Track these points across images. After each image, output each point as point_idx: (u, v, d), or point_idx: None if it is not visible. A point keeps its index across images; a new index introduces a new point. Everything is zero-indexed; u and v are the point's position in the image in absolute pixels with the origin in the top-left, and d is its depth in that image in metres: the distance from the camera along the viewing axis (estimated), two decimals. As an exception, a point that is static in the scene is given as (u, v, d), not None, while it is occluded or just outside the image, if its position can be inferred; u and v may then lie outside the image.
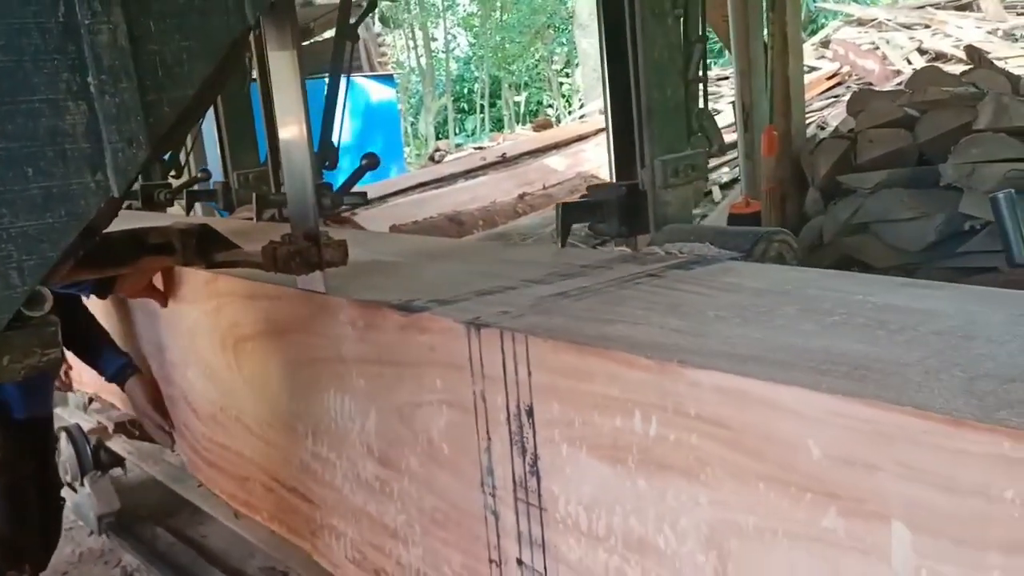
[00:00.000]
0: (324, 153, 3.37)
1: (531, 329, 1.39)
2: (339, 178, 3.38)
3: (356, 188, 3.28)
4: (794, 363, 1.12)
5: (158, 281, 2.44)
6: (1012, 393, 0.95)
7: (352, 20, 3.34)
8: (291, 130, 1.77)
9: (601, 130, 12.49)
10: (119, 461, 4.29)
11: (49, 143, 1.15)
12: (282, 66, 1.74)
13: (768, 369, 1.10)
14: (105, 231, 1.86)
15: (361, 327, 1.72)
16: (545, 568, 1.43)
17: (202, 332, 2.31)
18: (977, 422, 0.89)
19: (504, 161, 10.74)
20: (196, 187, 3.84)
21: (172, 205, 3.97)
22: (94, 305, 2.76)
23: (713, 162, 10.27)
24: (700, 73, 2.20)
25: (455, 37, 29.19)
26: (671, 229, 2.02)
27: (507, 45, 26.87)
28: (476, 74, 27.60)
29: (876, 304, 1.36)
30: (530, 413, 1.39)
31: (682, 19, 2.11)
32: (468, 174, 10.77)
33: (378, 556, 1.84)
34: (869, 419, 0.96)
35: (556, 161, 10.88)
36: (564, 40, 25.71)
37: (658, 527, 1.23)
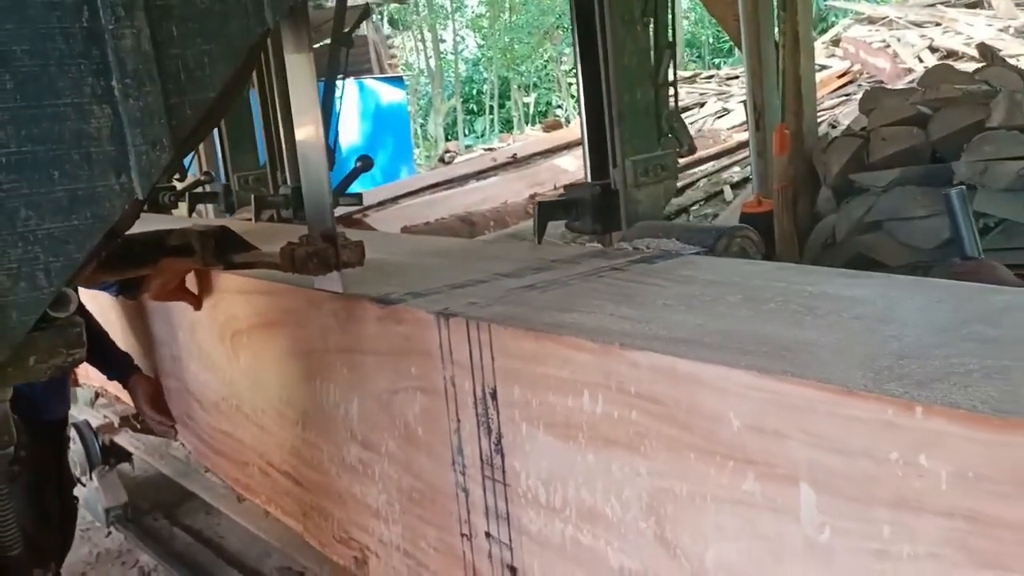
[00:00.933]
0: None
1: (495, 318, 1.50)
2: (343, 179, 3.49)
3: (360, 191, 3.39)
4: (723, 344, 1.23)
5: (191, 284, 2.42)
6: (905, 368, 1.06)
7: (346, 28, 3.44)
8: (308, 131, 1.78)
9: None
10: (127, 456, 4.43)
11: (74, 146, 1.17)
12: (299, 68, 1.77)
13: (698, 350, 1.21)
14: (126, 234, 1.97)
15: (344, 319, 1.84)
16: (510, 540, 1.54)
17: (202, 326, 2.43)
18: (866, 392, 0.99)
19: (515, 162, 10.78)
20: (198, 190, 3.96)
21: (176, 207, 4.09)
22: (104, 304, 2.88)
23: (724, 160, 10.38)
24: (670, 77, 2.31)
25: (464, 39, 29.29)
26: (641, 226, 2.13)
27: (516, 46, 26.97)
28: (485, 75, 27.71)
29: (812, 292, 1.47)
30: (494, 396, 1.50)
31: (651, 26, 2.22)
32: (479, 175, 10.81)
33: (362, 535, 1.95)
34: (778, 392, 1.08)
35: (567, 161, 10.90)
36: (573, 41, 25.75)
37: (606, 498, 1.34)
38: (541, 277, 1.80)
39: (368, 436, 1.86)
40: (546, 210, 2.26)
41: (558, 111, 25.23)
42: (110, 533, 4.16)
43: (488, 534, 1.59)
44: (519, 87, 26.87)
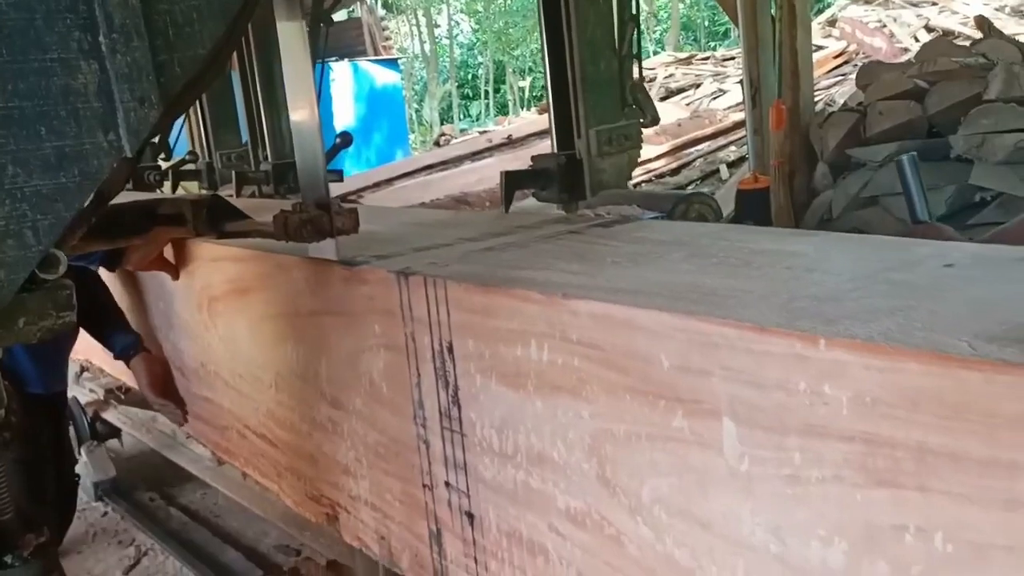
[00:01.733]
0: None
1: (451, 276, 1.57)
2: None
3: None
4: (658, 293, 1.30)
5: (169, 253, 2.45)
6: (819, 308, 1.13)
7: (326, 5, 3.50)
8: (300, 100, 1.77)
9: None
10: (115, 432, 4.51)
11: (61, 102, 1.15)
12: (291, 37, 1.75)
13: (634, 297, 1.28)
14: (116, 203, 2.00)
15: (312, 282, 1.91)
16: (467, 488, 1.61)
17: (180, 296, 2.50)
18: (778, 328, 1.06)
19: (510, 143, 10.77)
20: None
21: (162, 186, 4.16)
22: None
23: (720, 140, 10.45)
24: (633, 50, 2.37)
25: (458, 23, 29.26)
26: (605, 194, 2.20)
27: (510, 30, 26.94)
28: (480, 60, 27.69)
29: (753, 249, 1.54)
30: (450, 349, 1.57)
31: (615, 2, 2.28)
32: (474, 156, 10.80)
33: (333, 491, 2.03)
34: (702, 332, 1.14)
35: None
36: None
37: (552, 442, 1.41)
38: (501, 240, 1.87)
39: (337, 395, 1.93)
40: (512, 180, 2.33)
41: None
42: (106, 513, 4.24)
43: (448, 483, 1.66)
44: (514, 71, 26.87)
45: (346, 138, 3.29)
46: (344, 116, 13.30)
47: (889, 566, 0.99)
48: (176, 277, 2.45)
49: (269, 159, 3.36)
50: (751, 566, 1.14)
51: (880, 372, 0.96)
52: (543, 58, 2.36)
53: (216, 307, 2.32)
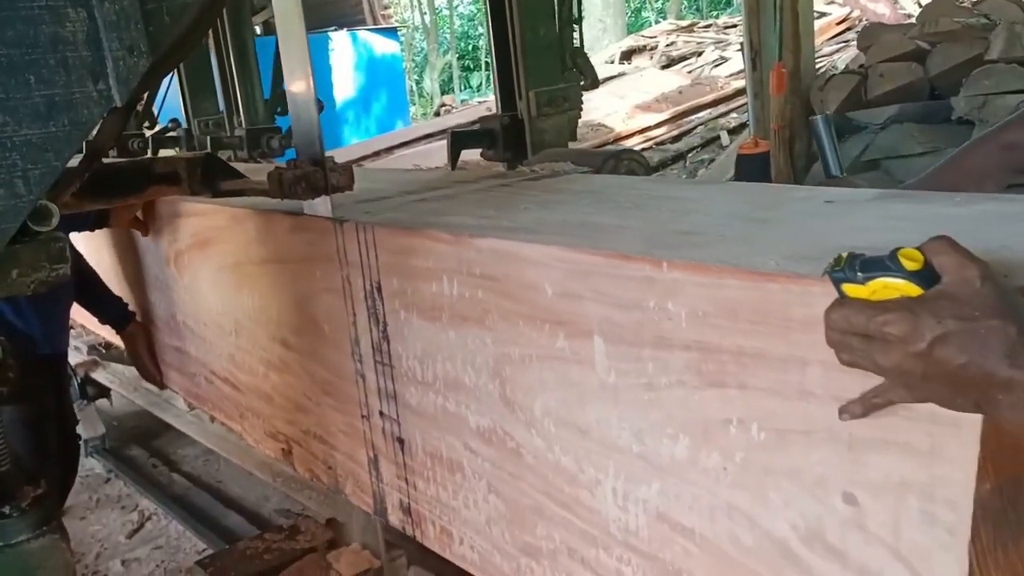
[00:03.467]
0: (276, 100, 3.71)
1: (379, 222, 1.72)
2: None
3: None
4: (550, 231, 1.46)
5: (138, 212, 2.54)
6: (678, 240, 1.28)
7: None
8: (294, 58, 1.78)
9: (609, 79, 12.68)
10: (104, 392, 4.68)
11: (50, 51, 1.14)
12: (286, 5, 1.74)
13: (527, 234, 1.44)
14: (110, 162, 2.07)
15: (263, 232, 2.06)
16: (397, 415, 1.78)
17: (150, 252, 2.66)
18: (635, 255, 1.22)
19: None
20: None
21: (146, 154, 4.30)
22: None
23: (721, 108, 10.53)
24: (575, 16, 2.51)
25: (458, -8, 29.13)
26: (544, 153, 2.35)
27: (510, 2, 26.79)
28: (480, 31, 27.61)
29: (652, 195, 1.69)
30: (379, 289, 1.72)
31: (557, -32, 2.42)
32: (473, 124, 10.77)
33: (287, 427, 2.19)
34: (577, 261, 1.30)
35: None
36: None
37: (464, 368, 1.57)
38: (437, 193, 2.02)
39: (287, 337, 2.09)
40: (458, 139, 2.48)
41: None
42: (109, 479, 4.31)
43: (382, 413, 1.82)
44: (514, 43, 26.78)
45: (318, 105, 3.41)
46: (343, 85, 13.29)
47: (720, 455, 1.15)
48: (146, 234, 2.57)
49: (243, 125, 3.52)
50: (619, 465, 1.31)
51: (708, 288, 1.12)
52: (487, 24, 2.50)
53: (181, 260, 2.48)
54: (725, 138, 9.36)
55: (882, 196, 1.45)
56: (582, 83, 2.50)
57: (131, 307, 2.91)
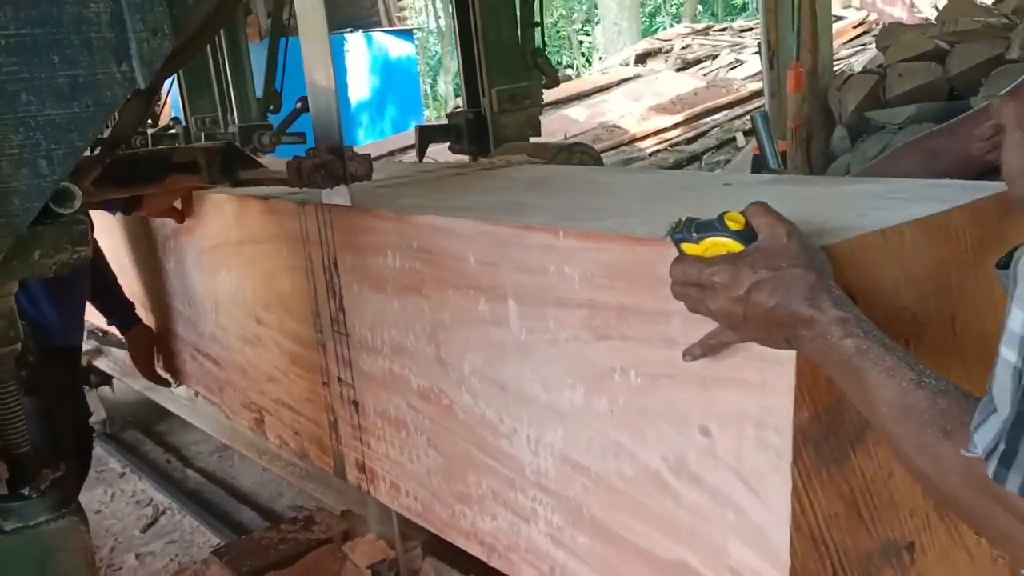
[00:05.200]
0: (268, 99, 3.89)
1: (338, 205, 1.89)
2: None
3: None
4: (480, 209, 1.62)
5: (176, 201, 2.49)
6: (588, 215, 1.45)
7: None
8: (315, 50, 1.79)
9: (623, 81, 12.78)
10: (107, 379, 4.86)
11: (74, 31, 1.14)
12: (308, 4, 1.77)
13: (458, 212, 1.61)
14: (131, 152, 2.11)
15: (238, 215, 2.24)
16: (353, 380, 1.94)
17: (142, 239, 2.84)
18: (541, 226, 1.39)
19: None
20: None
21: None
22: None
23: (736, 110, 10.63)
24: (536, 19, 2.68)
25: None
26: (505, 146, 2.52)
27: (525, 5, 26.94)
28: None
29: (585, 181, 1.86)
30: (335, 265, 1.90)
31: (520, -25, 2.60)
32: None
33: (260, 398, 2.37)
34: (494, 233, 1.47)
35: (577, 111, 10.77)
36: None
37: (406, 334, 1.74)
38: (398, 180, 2.19)
39: (260, 313, 2.26)
40: (425, 133, 2.66)
41: (568, 71, 25.35)
42: (124, 474, 4.36)
43: (339, 379, 1.99)
44: (529, 46, 26.92)
45: (306, 103, 3.59)
46: (358, 87, 13.33)
47: (607, 399, 1.32)
48: (181, 222, 2.52)
49: (236, 122, 3.71)
50: (532, 415, 1.47)
51: (595, 253, 1.28)
52: (453, 26, 2.67)
53: (168, 245, 2.66)
54: (740, 139, 9.46)
55: (775, 180, 1.62)
56: (543, 81, 2.68)
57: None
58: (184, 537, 3.67)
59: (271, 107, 3.85)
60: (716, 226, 1.04)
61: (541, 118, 2.66)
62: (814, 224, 1.14)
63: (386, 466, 1.91)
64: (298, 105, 3.69)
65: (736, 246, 1.03)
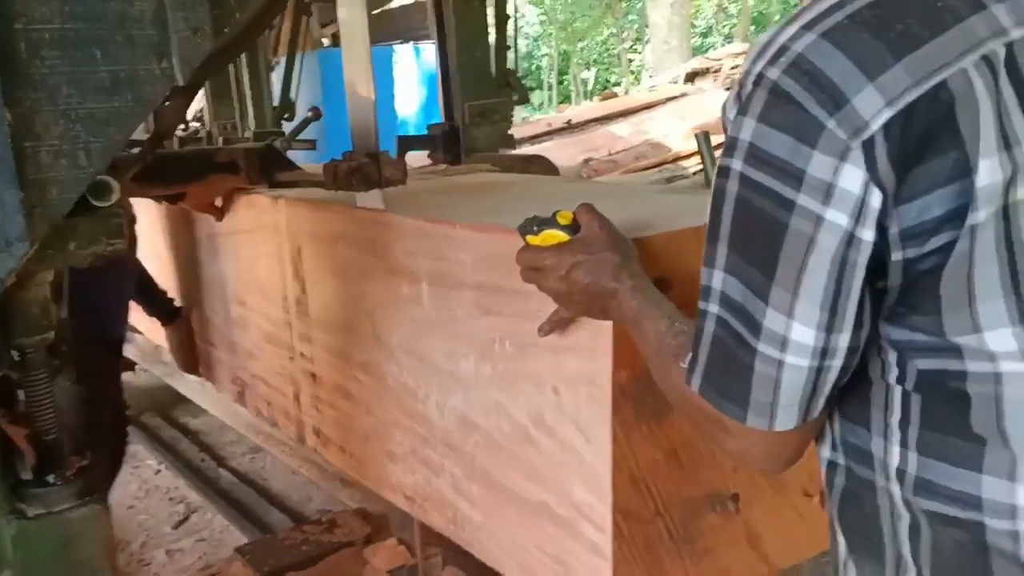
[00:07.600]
0: (284, 108, 4.20)
1: (304, 200, 2.17)
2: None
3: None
4: (417, 206, 1.88)
5: (217, 199, 2.53)
6: (493, 214, 1.70)
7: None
8: (355, 58, 1.85)
9: (670, 99, 12.88)
10: (130, 365, 5.17)
11: (117, 27, 1.16)
12: (352, 17, 1.84)
13: (396, 208, 1.86)
14: (177, 151, 2.26)
15: (227, 207, 2.52)
16: (311, 355, 2.21)
17: (151, 231, 3.14)
18: (445, 220, 1.64)
19: (569, 127, 10.61)
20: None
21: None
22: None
23: None
24: (508, 43, 2.96)
25: (524, 15, 29.64)
26: (474, 156, 2.78)
27: (576, 22, 27.25)
28: (544, 51, 28.02)
29: (522, 186, 2.12)
30: (299, 252, 2.17)
31: (495, 3, 2.87)
32: (533, 139, 10.50)
33: (242, 373, 2.64)
34: (416, 227, 1.73)
35: (621, 128, 10.59)
36: (635, 14, 25.82)
37: (353, 313, 2.00)
38: (368, 182, 2.46)
39: (243, 297, 2.54)
40: (405, 143, 2.94)
41: (616, 89, 25.47)
42: (159, 471, 4.40)
43: (302, 354, 2.26)
44: (578, 62, 27.20)
45: (316, 112, 3.88)
46: (406, 98, 13.49)
47: (490, 366, 1.57)
48: (219, 219, 2.56)
49: (252, 129, 4.02)
50: (440, 381, 1.72)
51: (480, 242, 1.54)
52: (436, 45, 2.94)
53: (168, 234, 2.95)
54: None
55: (664, 190, 1.86)
56: (515, 98, 2.94)
57: None
58: (214, 536, 3.70)
59: (286, 115, 4.15)
60: (551, 221, 1.29)
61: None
62: (643, 221, 1.38)
63: (335, 431, 2.17)
64: (309, 114, 3.98)
65: (564, 237, 1.27)
